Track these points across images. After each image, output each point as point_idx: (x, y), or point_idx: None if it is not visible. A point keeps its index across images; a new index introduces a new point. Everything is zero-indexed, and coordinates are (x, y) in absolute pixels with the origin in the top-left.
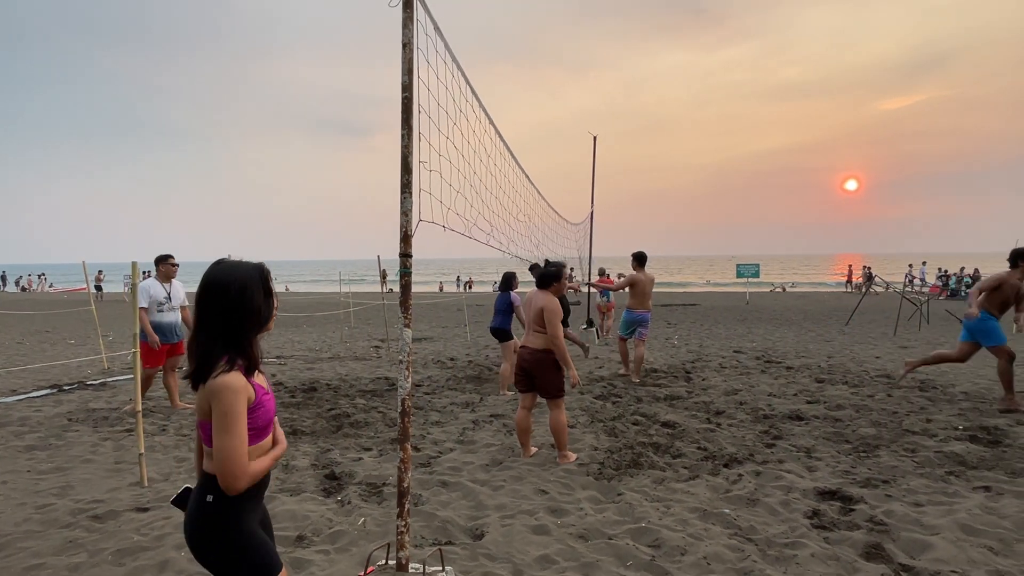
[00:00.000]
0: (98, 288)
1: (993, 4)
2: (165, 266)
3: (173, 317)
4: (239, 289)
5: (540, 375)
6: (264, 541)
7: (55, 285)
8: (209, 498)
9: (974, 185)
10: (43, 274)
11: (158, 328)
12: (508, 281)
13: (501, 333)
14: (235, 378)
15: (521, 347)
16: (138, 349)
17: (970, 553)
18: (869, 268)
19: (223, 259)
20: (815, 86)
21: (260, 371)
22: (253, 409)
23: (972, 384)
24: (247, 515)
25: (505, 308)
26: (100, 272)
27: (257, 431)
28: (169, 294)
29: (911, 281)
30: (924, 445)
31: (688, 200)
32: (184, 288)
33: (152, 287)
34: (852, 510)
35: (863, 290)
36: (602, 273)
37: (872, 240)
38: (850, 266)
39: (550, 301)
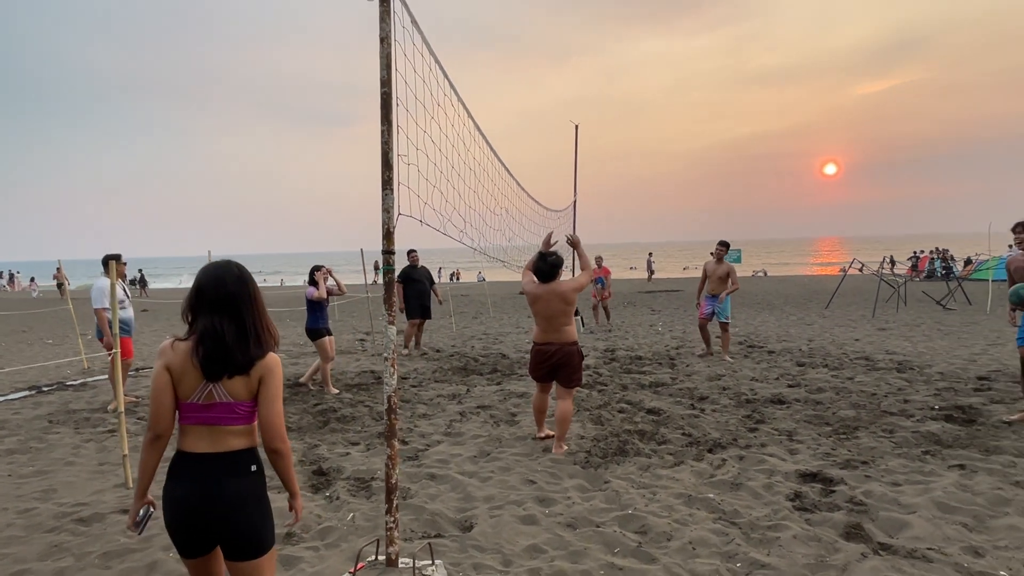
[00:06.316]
0: (60, 286)
1: None
2: (119, 265)
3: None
4: (254, 280)
5: (566, 367)
6: None
7: (34, 282)
8: (253, 467)
9: (949, 168)
10: (18, 271)
11: (127, 323)
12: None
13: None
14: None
15: (546, 343)
16: (118, 348)
17: (946, 530)
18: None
19: (225, 259)
20: (794, 71)
21: None
22: None
23: (948, 364)
24: None
25: None
26: (60, 267)
27: None
28: (126, 291)
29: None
30: (902, 426)
31: (673, 186)
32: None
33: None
34: (833, 491)
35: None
36: (600, 262)
37: (852, 223)
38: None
39: (568, 282)
